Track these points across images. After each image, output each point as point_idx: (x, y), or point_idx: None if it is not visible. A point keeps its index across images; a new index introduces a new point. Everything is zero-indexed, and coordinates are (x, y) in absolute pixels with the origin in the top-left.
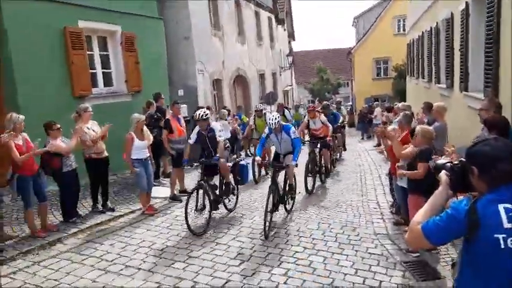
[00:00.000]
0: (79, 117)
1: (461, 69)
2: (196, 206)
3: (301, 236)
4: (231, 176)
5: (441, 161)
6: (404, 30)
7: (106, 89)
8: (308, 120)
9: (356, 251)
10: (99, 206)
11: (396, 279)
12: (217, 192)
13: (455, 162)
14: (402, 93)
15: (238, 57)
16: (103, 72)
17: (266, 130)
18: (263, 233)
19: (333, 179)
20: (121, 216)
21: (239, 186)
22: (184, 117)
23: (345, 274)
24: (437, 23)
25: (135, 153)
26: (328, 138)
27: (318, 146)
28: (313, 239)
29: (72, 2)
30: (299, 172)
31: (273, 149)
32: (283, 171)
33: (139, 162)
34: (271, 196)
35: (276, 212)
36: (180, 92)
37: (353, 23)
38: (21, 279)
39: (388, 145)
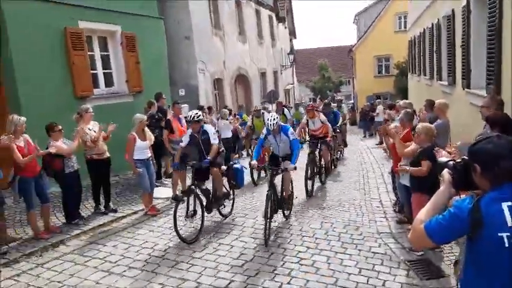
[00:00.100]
0: (80, 118)
1: (463, 66)
2: (187, 212)
3: (304, 236)
4: (224, 182)
5: (443, 159)
6: (405, 27)
7: (107, 90)
8: (307, 120)
9: (359, 250)
10: (102, 207)
11: (400, 278)
12: (210, 197)
13: (458, 161)
14: (404, 91)
15: (239, 56)
16: (104, 73)
17: (264, 131)
18: (264, 241)
19: (334, 178)
20: (123, 217)
21: (235, 190)
22: (185, 117)
23: (349, 274)
24: (438, 19)
25: (137, 154)
26: (328, 139)
27: (319, 146)
28: (316, 238)
29: (72, 3)
30: (298, 175)
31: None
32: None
33: (142, 163)
34: (269, 202)
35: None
36: (181, 92)
37: (354, 20)
38: (24, 281)
39: (390, 143)
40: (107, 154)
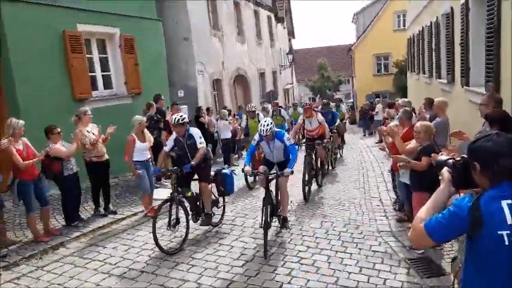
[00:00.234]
0: (79, 121)
1: (462, 64)
2: (169, 222)
3: (304, 235)
4: (213, 190)
5: (443, 157)
6: (404, 25)
7: (106, 92)
8: (303, 120)
9: (360, 249)
10: (101, 209)
11: (401, 276)
12: (198, 203)
13: (457, 159)
14: (403, 89)
15: (238, 57)
16: (102, 75)
17: (256, 137)
18: (263, 253)
19: (334, 176)
20: (123, 218)
21: (225, 197)
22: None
23: (349, 273)
24: (437, 17)
25: (136, 155)
26: (325, 140)
27: (316, 147)
28: (316, 237)
29: (70, 6)
30: (296, 177)
31: None
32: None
33: (141, 164)
34: (267, 210)
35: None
36: (180, 93)
37: (353, 19)
38: (25, 284)
39: (389, 142)
40: (106, 156)
